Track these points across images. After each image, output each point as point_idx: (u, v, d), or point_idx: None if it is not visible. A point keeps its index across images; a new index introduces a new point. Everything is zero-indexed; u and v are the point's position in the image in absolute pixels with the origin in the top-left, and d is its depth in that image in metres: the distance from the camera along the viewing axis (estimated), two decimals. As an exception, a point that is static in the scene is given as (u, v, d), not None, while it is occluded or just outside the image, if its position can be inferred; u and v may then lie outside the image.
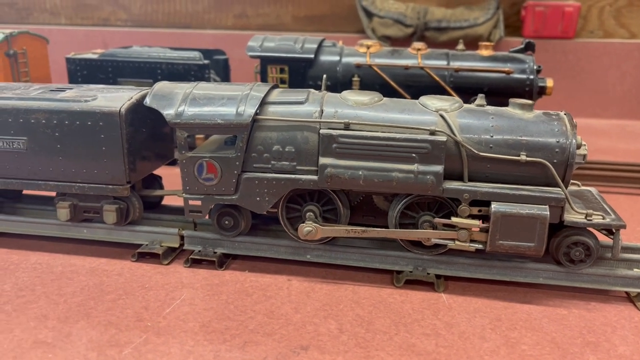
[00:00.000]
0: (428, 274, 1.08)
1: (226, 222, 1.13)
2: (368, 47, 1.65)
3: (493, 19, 2.50)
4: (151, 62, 1.70)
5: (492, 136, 1.00)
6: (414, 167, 1.00)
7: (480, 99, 1.07)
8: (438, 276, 1.09)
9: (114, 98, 1.11)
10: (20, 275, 1.09)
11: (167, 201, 1.33)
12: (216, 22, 2.84)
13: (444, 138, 0.99)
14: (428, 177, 1.00)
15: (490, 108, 1.05)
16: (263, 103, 1.06)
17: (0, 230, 1.24)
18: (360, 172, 1.01)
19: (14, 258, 1.16)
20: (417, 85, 1.60)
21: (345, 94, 1.09)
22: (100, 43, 2.83)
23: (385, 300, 1.03)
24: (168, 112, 1.05)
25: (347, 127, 1.02)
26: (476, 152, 0.99)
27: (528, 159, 0.98)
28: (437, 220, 1.03)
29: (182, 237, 1.18)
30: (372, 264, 1.11)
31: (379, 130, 1.02)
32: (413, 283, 1.08)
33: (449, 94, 1.57)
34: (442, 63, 1.61)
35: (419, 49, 1.64)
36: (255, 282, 1.09)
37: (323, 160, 1.03)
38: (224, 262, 1.14)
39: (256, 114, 1.04)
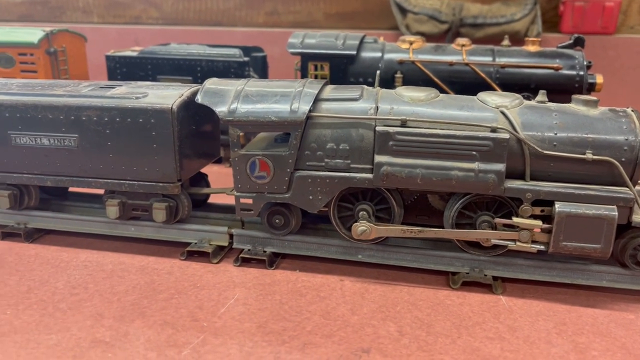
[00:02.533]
0: (485, 275, 1.05)
1: (277, 220, 1.11)
2: (410, 43, 1.62)
3: (530, 14, 2.45)
4: (191, 60, 1.69)
5: (556, 134, 0.97)
6: (475, 165, 0.97)
7: (542, 95, 1.03)
8: (495, 278, 1.06)
9: (165, 95, 1.10)
10: (72, 272, 1.09)
11: (213, 199, 1.32)
12: (247, 20, 2.83)
13: (506, 135, 0.96)
14: (489, 175, 0.97)
15: (553, 105, 1.01)
16: (317, 100, 1.04)
17: (49, 228, 1.24)
18: (418, 171, 0.99)
19: (64, 256, 1.16)
20: (461, 82, 1.56)
21: (401, 90, 1.07)
22: (132, 41, 2.83)
23: (442, 302, 1.00)
24: (221, 110, 1.04)
25: (404, 124, 1.00)
26: (539, 150, 0.96)
27: (595, 157, 0.95)
28: (497, 220, 1.00)
29: (231, 236, 1.16)
30: (426, 264, 1.08)
31: (437, 127, 0.99)
32: (470, 285, 1.05)
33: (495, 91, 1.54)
34: (488, 59, 1.57)
35: (463, 45, 1.60)
36: (307, 282, 1.07)
37: (379, 158, 1.00)
38: (274, 261, 1.13)
39: (310, 111, 1.02)
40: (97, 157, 1.11)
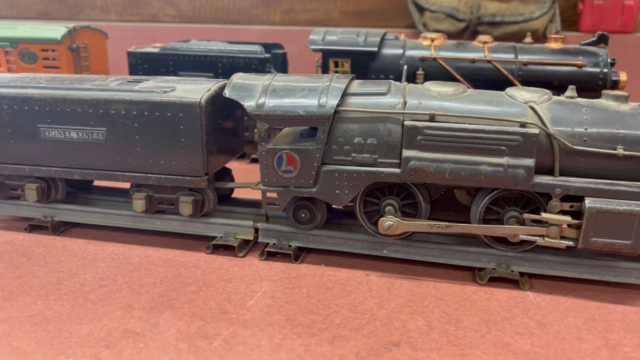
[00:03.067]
0: (512, 271, 1.04)
1: (302, 215, 1.12)
2: (432, 40, 1.62)
3: (549, 13, 2.43)
4: (212, 56, 1.70)
5: (586, 129, 0.96)
6: (504, 160, 0.97)
7: (571, 91, 1.03)
8: (522, 274, 1.05)
9: (193, 89, 1.10)
10: (100, 265, 1.10)
11: (237, 194, 1.32)
12: (264, 18, 2.84)
13: (536, 130, 0.95)
14: (518, 171, 0.96)
15: (582, 100, 1.01)
16: (344, 94, 1.04)
17: (75, 221, 1.25)
18: (446, 165, 0.99)
19: (91, 248, 1.17)
20: (483, 79, 1.56)
21: (428, 85, 1.07)
22: (149, 39, 2.85)
23: (470, 297, 1.00)
24: (249, 104, 1.04)
25: (432, 118, 1.00)
26: (569, 145, 0.95)
27: (626, 152, 0.94)
28: (526, 216, 0.99)
29: (256, 230, 1.17)
30: (452, 260, 1.08)
31: (466, 122, 0.99)
32: (496, 280, 1.05)
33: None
34: (510, 56, 1.56)
35: (485, 42, 1.59)
36: (333, 276, 1.07)
37: (407, 153, 1.00)
38: (299, 255, 1.13)
39: (338, 105, 1.02)
40: (124, 150, 1.12)
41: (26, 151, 1.16)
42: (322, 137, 1.03)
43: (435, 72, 1.58)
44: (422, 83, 1.59)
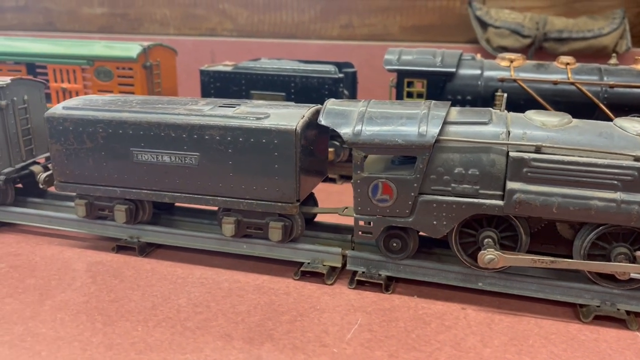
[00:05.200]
0: (618, 309, 1.00)
1: (394, 244, 1.10)
2: (511, 60, 1.58)
3: (619, 29, 2.36)
4: (285, 76, 1.70)
5: None
6: (617, 195, 0.93)
7: (686, 122, 0.98)
8: (628, 312, 1.01)
9: (286, 115, 1.10)
10: (191, 290, 1.10)
11: (320, 218, 1.31)
12: (321, 33, 2.84)
13: (653, 165, 0.91)
14: (633, 207, 0.92)
15: (701, 132, 0.96)
16: (444, 123, 1.02)
17: (160, 242, 1.26)
18: (554, 199, 0.95)
19: (179, 272, 1.17)
20: (566, 102, 1.51)
21: (530, 114, 1.04)
22: (208, 53, 2.89)
23: (576, 337, 0.96)
24: (345, 131, 1.03)
25: (538, 150, 0.96)
26: (688, 181, 0.91)
27: None
28: (638, 253, 0.95)
29: (344, 257, 1.15)
30: (552, 295, 1.04)
31: (575, 154, 0.95)
32: (601, 319, 1.00)
33: (602, 111, 1.48)
34: (594, 78, 1.51)
35: (567, 63, 1.55)
36: (427, 309, 1.04)
37: (511, 185, 0.97)
38: (389, 285, 1.11)
39: (438, 134, 1.00)
40: (216, 175, 1.12)
41: (118, 174, 1.17)
42: (421, 167, 1.01)
43: (515, 93, 1.54)
44: (501, 105, 1.57)
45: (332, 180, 1.76)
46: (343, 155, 1.80)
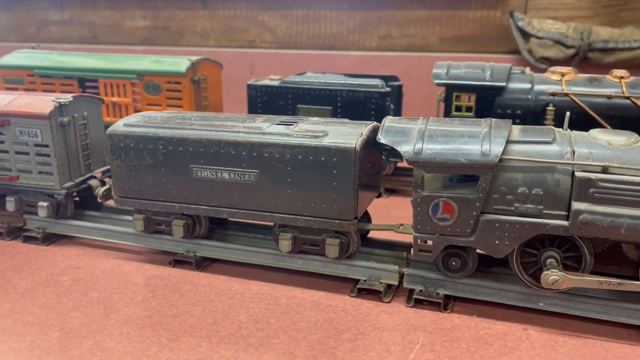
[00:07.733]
0: (688, 333, 0.97)
1: (453, 263, 1.09)
2: (562, 74, 1.56)
3: (668, 38, 2.31)
4: (332, 90, 1.71)
5: None
6: (689, 217, 0.91)
7: None
8: (698, 337, 0.98)
9: (345, 133, 1.10)
10: (250, 305, 1.11)
11: (373, 234, 1.31)
12: (360, 44, 2.85)
13: None
14: None
15: None
16: (507, 142, 1.01)
17: (216, 257, 1.27)
18: (622, 220, 0.93)
19: (236, 287, 1.18)
20: (621, 116, 1.48)
21: (595, 133, 1.02)
22: (248, 64, 2.93)
23: (646, 361, 0.94)
24: (405, 150, 1.03)
25: (605, 170, 0.95)
26: None
27: None
28: None
29: (401, 275, 1.15)
30: (617, 317, 1.02)
31: (645, 175, 0.93)
32: (670, 343, 0.98)
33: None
34: (651, 92, 1.48)
35: (621, 77, 1.52)
36: (488, 329, 1.03)
37: (577, 205, 0.96)
38: (447, 304, 1.10)
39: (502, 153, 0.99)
40: (275, 192, 1.13)
41: (177, 190, 1.20)
42: (484, 186, 1.00)
43: (567, 108, 1.51)
44: (551, 119, 1.56)
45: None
46: (389, 169, 1.80)
